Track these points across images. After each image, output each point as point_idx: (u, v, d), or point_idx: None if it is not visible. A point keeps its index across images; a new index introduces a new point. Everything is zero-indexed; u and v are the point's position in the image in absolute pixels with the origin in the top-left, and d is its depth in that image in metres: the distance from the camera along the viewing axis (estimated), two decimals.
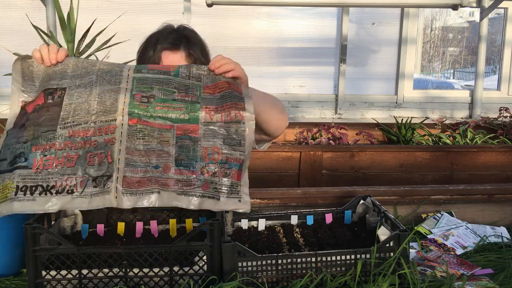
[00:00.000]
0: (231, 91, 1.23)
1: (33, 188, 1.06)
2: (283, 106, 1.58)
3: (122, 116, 1.13)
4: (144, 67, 1.25)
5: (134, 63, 1.80)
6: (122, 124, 1.12)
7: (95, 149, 1.10)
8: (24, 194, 1.05)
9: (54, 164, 1.09)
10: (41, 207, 1.05)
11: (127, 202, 1.06)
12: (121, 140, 1.11)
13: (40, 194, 1.06)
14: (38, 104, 1.18)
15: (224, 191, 1.10)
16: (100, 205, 1.06)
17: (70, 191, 1.07)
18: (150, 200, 1.06)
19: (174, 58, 1.56)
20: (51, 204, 1.05)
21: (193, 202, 1.08)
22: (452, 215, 1.59)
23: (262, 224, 1.40)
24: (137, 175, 1.09)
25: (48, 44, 1.26)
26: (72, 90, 1.19)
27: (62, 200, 1.06)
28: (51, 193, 1.06)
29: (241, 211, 1.11)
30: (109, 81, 1.20)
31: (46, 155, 1.10)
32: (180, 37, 1.59)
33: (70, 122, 1.14)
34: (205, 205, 1.08)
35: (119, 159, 1.09)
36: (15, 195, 1.05)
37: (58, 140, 1.11)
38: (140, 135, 1.12)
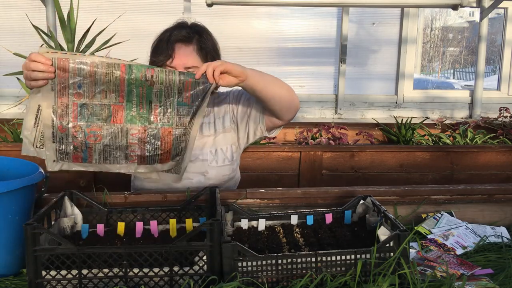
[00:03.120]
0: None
1: None
2: (289, 86, 1.64)
3: None
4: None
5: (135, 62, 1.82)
6: None
7: None
8: None
9: None
10: None
11: None
12: None
13: None
14: None
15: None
16: None
17: None
18: None
19: (186, 51, 1.64)
20: None
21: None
22: (452, 215, 1.59)
23: (262, 224, 1.40)
24: None
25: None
26: None
27: None
28: None
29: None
30: None
31: None
32: (193, 32, 1.67)
33: None
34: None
35: None
36: None
37: None
38: None
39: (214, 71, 1.37)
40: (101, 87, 1.35)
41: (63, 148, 1.40)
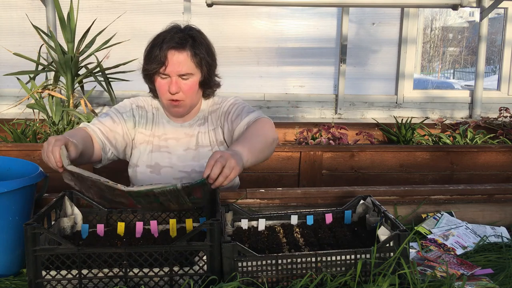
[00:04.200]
0: None
1: None
2: (271, 131, 1.59)
3: None
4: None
5: (134, 63, 1.80)
6: None
7: None
8: None
9: None
10: None
11: None
12: None
13: None
14: None
15: None
16: None
17: None
18: None
19: (179, 57, 1.58)
20: None
21: None
22: (452, 215, 1.59)
23: (262, 224, 1.40)
24: None
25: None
26: None
27: None
28: None
29: None
30: None
31: None
32: (186, 37, 1.61)
33: None
34: None
35: None
36: None
37: None
38: None
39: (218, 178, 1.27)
40: (109, 196, 1.31)
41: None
